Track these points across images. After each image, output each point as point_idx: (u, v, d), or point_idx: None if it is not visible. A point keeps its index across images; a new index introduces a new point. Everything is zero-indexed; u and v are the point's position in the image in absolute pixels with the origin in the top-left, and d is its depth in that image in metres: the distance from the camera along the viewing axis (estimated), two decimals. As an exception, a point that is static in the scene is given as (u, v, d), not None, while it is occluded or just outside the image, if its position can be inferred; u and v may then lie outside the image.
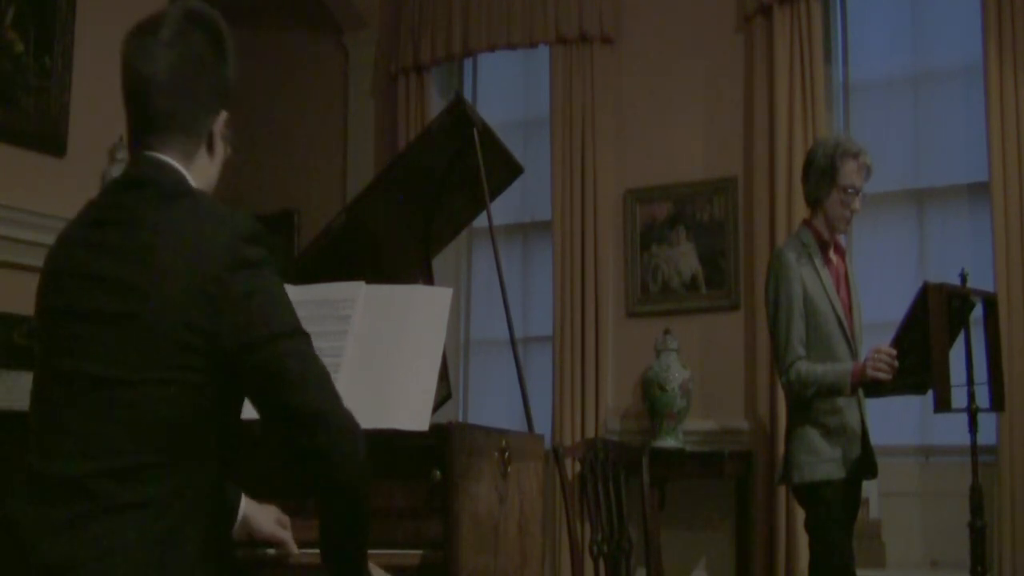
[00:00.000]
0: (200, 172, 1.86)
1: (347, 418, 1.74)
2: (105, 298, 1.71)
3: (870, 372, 3.33)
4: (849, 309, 3.57)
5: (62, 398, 1.71)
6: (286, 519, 2.13)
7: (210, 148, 1.88)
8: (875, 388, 3.42)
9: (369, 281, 2.40)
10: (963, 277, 3.52)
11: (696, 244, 5.25)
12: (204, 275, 1.69)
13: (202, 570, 1.70)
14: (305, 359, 1.73)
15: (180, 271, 1.69)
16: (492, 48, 5.69)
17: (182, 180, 1.81)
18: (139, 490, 1.66)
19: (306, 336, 1.76)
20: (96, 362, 1.69)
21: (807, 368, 3.41)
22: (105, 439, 1.67)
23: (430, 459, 2.15)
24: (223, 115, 1.89)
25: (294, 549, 2.12)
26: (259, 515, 2.07)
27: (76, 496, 1.66)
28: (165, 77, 1.79)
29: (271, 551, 2.12)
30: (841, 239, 3.69)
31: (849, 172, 3.51)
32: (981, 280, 3.95)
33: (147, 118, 1.81)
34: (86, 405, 1.69)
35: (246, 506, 2.06)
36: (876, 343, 3.41)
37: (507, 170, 3.13)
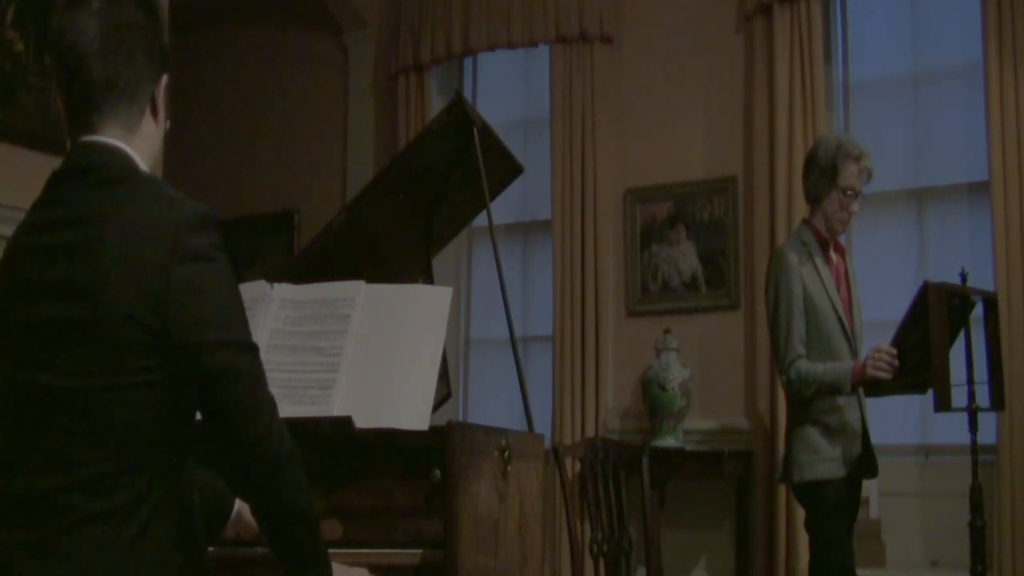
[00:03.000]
0: (145, 141, 1.75)
1: (280, 446, 1.67)
2: (55, 306, 1.63)
3: (870, 371, 3.33)
4: (849, 308, 3.57)
5: (21, 413, 1.65)
6: None
7: (154, 113, 1.76)
8: (875, 387, 3.42)
9: (369, 281, 2.40)
10: (963, 276, 3.52)
11: (696, 244, 5.26)
12: (147, 266, 1.60)
13: (174, 571, 1.66)
14: (242, 377, 1.65)
15: (124, 264, 1.60)
16: (492, 48, 5.69)
17: (126, 161, 1.70)
18: (106, 500, 1.60)
19: (250, 350, 1.68)
20: (51, 373, 1.62)
21: (807, 367, 3.41)
22: (67, 452, 1.61)
23: (430, 459, 2.15)
24: (164, 79, 1.76)
25: None
26: (248, 513, 2.06)
27: (43, 513, 1.60)
28: (98, 45, 1.67)
29: (262, 550, 2.12)
30: (841, 238, 3.69)
31: (850, 174, 3.51)
32: (981, 280, 3.95)
33: (85, 93, 1.68)
34: (45, 419, 1.63)
35: (239, 505, 2.05)
36: (876, 342, 3.42)
37: (507, 169, 3.13)
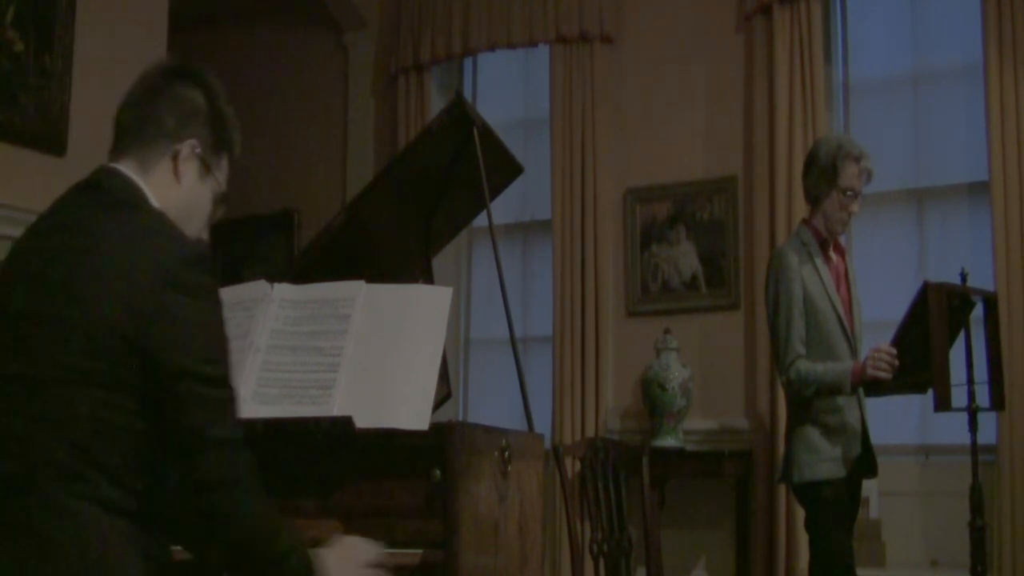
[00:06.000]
0: (161, 187, 1.87)
1: (234, 484, 1.71)
2: (46, 300, 1.72)
3: (870, 371, 3.33)
4: (849, 308, 3.57)
5: (6, 400, 1.72)
6: None
7: (175, 168, 1.88)
8: (875, 387, 3.42)
9: (369, 281, 2.40)
10: (963, 276, 3.52)
11: (696, 244, 5.25)
12: (139, 286, 1.69)
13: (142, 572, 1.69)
14: (209, 414, 1.70)
15: (114, 279, 1.69)
16: (492, 48, 5.69)
17: (136, 190, 1.83)
18: (83, 489, 1.65)
19: (220, 384, 1.73)
20: (28, 362, 1.70)
21: (807, 367, 3.41)
22: (40, 439, 1.67)
23: (430, 459, 2.15)
24: (191, 142, 1.89)
25: None
26: None
27: (15, 494, 1.66)
28: (134, 98, 1.90)
29: None
30: (841, 238, 3.69)
31: (850, 175, 3.51)
32: (981, 279, 3.95)
33: (116, 133, 1.90)
34: (28, 407, 1.69)
35: None
36: (876, 342, 3.42)
37: (507, 170, 3.13)
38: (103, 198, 1.81)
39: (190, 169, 1.90)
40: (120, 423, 1.68)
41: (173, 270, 1.71)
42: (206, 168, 1.92)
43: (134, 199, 1.82)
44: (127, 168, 1.85)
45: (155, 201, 1.85)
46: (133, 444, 1.70)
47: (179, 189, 1.89)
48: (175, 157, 1.88)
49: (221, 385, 1.74)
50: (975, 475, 3.51)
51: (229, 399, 1.75)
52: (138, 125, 1.87)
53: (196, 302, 1.72)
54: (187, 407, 1.69)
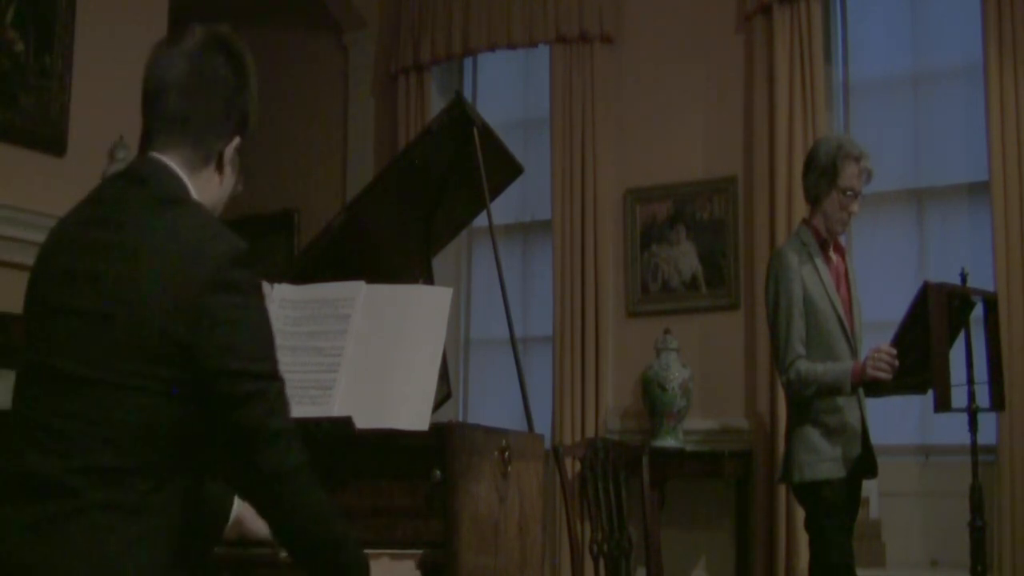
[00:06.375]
0: (204, 190, 1.84)
1: (295, 473, 1.73)
2: (87, 296, 1.69)
3: (870, 371, 3.33)
4: (849, 308, 3.57)
5: (40, 395, 1.70)
6: None
7: (219, 169, 1.86)
8: (875, 387, 3.42)
9: (369, 281, 2.40)
10: (963, 277, 3.52)
11: (696, 244, 5.25)
12: (187, 288, 1.67)
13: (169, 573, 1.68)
14: (267, 408, 1.71)
15: (163, 279, 1.67)
16: (492, 48, 5.69)
17: (182, 186, 1.79)
18: (113, 492, 1.64)
19: (274, 379, 1.75)
20: (74, 360, 1.67)
21: (807, 367, 3.41)
22: (80, 438, 1.65)
23: (430, 459, 2.15)
24: (236, 141, 1.87)
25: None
26: (252, 516, 2.07)
27: (48, 494, 1.64)
28: (182, 81, 1.80)
29: (262, 551, 2.12)
30: (841, 238, 3.69)
31: (849, 175, 3.51)
32: (981, 280, 3.95)
33: (159, 118, 1.80)
34: (62, 403, 1.67)
35: (239, 507, 2.06)
36: (876, 342, 3.42)
37: (507, 170, 3.13)
38: (149, 193, 1.76)
39: (229, 168, 1.89)
40: (165, 426, 1.67)
41: (223, 270, 1.69)
42: (240, 166, 1.91)
43: (180, 195, 1.78)
44: (172, 161, 1.80)
45: (195, 195, 1.81)
46: (176, 447, 1.69)
47: (219, 188, 1.88)
48: (219, 157, 1.85)
49: (274, 379, 1.75)
50: (975, 475, 3.51)
51: (281, 391, 1.76)
52: (184, 119, 1.80)
53: (246, 299, 1.72)
54: (245, 404, 1.69)
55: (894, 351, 3.34)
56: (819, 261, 3.53)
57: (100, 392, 1.66)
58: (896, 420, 4.58)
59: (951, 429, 4.01)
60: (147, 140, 1.82)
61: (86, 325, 1.68)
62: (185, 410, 1.68)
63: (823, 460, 3.41)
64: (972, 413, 3.49)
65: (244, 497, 1.83)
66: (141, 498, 1.65)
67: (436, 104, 5.72)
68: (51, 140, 4.18)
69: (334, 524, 1.78)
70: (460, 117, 2.82)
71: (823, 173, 3.53)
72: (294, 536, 1.77)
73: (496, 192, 3.10)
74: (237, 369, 1.69)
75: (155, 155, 1.80)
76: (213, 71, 1.83)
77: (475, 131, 2.81)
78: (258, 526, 2.08)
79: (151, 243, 1.70)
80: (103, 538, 1.62)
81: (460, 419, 5.59)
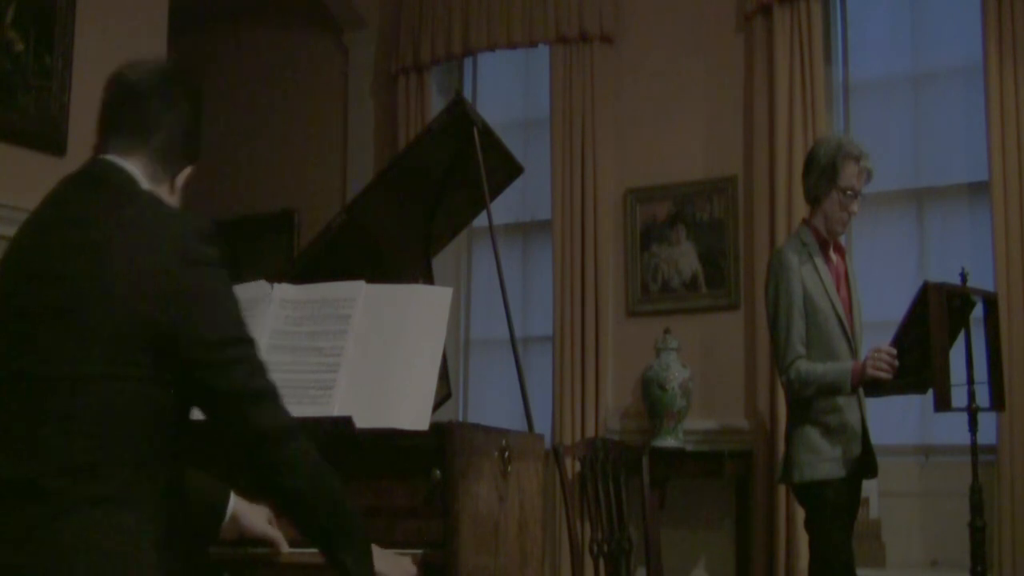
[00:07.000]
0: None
1: (288, 431, 1.77)
2: (53, 295, 1.71)
3: (870, 371, 3.33)
4: (849, 308, 3.58)
5: (10, 399, 1.70)
6: (274, 517, 2.13)
7: (171, 192, 1.92)
8: (875, 387, 3.42)
9: (369, 281, 2.40)
10: (963, 276, 3.52)
11: (696, 244, 5.26)
12: (154, 268, 1.70)
13: (164, 570, 1.68)
14: (249, 370, 1.76)
15: (129, 265, 1.70)
16: (492, 48, 5.69)
17: (136, 184, 1.83)
18: (93, 488, 1.64)
19: (252, 343, 1.79)
20: (42, 361, 1.68)
21: (807, 367, 3.41)
22: (50, 439, 1.65)
23: (430, 459, 2.15)
24: (188, 170, 1.94)
25: (285, 547, 2.12)
26: (250, 514, 2.08)
27: (29, 499, 1.64)
28: (147, 98, 1.86)
29: (262, 550, 2.12)
30: (841, 238, 3.69)
31: (849, 175, 3.52)
32: (981, 279, 3.95)
33: (121, 124, 1.85)
34: (33, 405, 1.67)
35: (237, 505, 2.06)
36: (876, 342, 3.42)
37: (507, 170, 3.13)
38: (109, 191, 1.80)
39: (179, 196, 1.94)
40: (141, 413, 1.69)
41: (188, 246, 1.74)
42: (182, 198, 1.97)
43: (134, 189, 1.82)
44: (129, 165, 1.84)
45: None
46: (155, 434, 1.70)
47: (172, 201, 1.93)
48: (173, 180, 1.91)
49: (251, 343, 1.79)
50: (975, 475, 3.51)
51: (257, 353, 1.80)
52: (144, 130, 1.85)
53: (215, 271, 1.76)
54: (229, 370, 1.73)
55: (894, 351, 3.34)
56: (819, 261, 3.53)
57: (72, 389, 1.66)
58: (896, 420, 4.59)
59: (951, 429, 4.01)
60: (103, 144, 1.86)
61: (54, 324, 1.69)
62: (162, 393, 1.70)
63: (823, 460, 3.41)
64: (972, 413, 3.49)
65: (244, 466, 1.83)
66: (125, 490, 1.66)
67: (436, 104, 5.72)
68: (51, 140, 4.18)
69: (332, 480, 1.81)
70: (460, 117, 2.82)
71: (823, 173, 3.53)
72: (293, 495, 1.78)
73: (496, 192, 3.10)
74: (218, 338, 1.73)
75: (111, 157, 1.84)
76: (175, 98, 1.89)
77: (475, 131, 2.81)
78: (256, 522, 2.08)
79: (116, 236, 1.72)
80: (94, 534, 1.63)
81: (460, 419, 5.59)
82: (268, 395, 1.77)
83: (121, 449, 1.67)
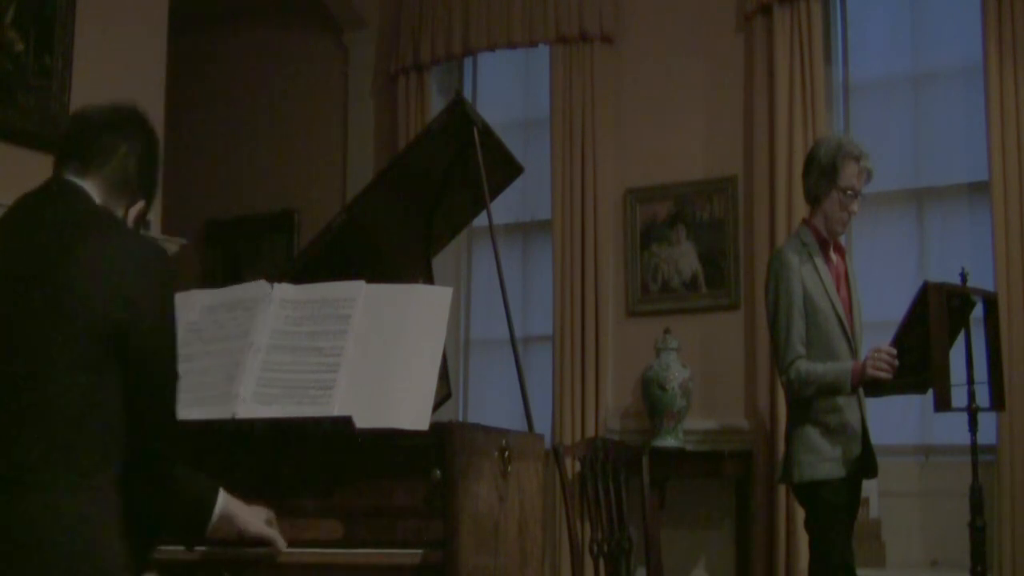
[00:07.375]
0: None
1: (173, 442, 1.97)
2: (22, 298, 1.83)
3: (870, 371, 3.33)
4: (849, 308, 3.57)
5: None
6: (274, 518, 2.14)
7: (126, 218, 2.07)
8: (875, 387, 3.42)
9: (369, 281, 2.40)
10: (963, 276, 3.52)
11: (696, 244, 5.26)
12: (123, 276, 1.87)
13: (124, 556, 1.81)
14: (173, 376, 1.96)
15: (99, 271, 1.85)
16: (492, 48, 5.69)
17: (92, 200, 1.98)
18: (60, 478, 1.76)
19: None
20: (11, 358, 1.81)
21: (807, 367, 3.41)
22: (30, 436, 1.77)
23: (430, 458, 2.15)
24: (140, 205, 2.08)
25: (282, 547, 2.13)
26: (247, 514, 2.08)
27: (8, 493, 1.75)
28: (104, 123, 2.03)
29: (261, 550, 2.12)
30: (841, 238, 3.69)
31: (849, 174, 3.51)
32: (981, 279, 3.94)
33: (77, 148, 2.00)
34: (4, 404, 1.79)
35: (231, 505, 2.07)
36: (876, 342, 3.42)
37: (507, 170, 3.13)
38: (68, 202, 1.95)
39: (132, 222, 2.09)
40: (110, 404, 1.82)
41: (154, 265, 1.94)
42: (145, 223, 2.17)
43: (96, 208, 1.98)
44: (88, 187, 1.99)
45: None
46: (117, 426, 1.84)
47: None
48: (126, 210, 2.07)
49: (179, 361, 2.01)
50: (975, 475, 3.51)
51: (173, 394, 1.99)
52: (104, 156, 2.00)
53: (170, 292, 1.96)
54: (166, 382, 1.94)
55: (894, 351, 3.34)
56: (819, 261, 3.53)
57: (40, 383, 1.78)
58: (896, 420, 4.59)
59: (951, 429, 4.01)
60: (65, 164, 2.01)
61: (23, 323, 1.82)
62: (115, 387, 1.84)
63: (823, 460, 3.41)
64: (972, 413, 3.49)
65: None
66: (88, 480, 1.78)
67: (436, 104, 5.72)
68: (51, 140, 4.18)
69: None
70: (460, 117, 2.82)
71: (823, 173, 3.53)
72: (164, 509, 2.00)
73: (496, 192, 3.10)
74: (169, 347, 1.94)
75: (69, 177, 1.99)
76: (129, 133, 2.05)
77: (475, 131, 2.81)
78: (254, 522, 2.08)
79: (84, 246, 1.86)
80: (60, 522, 1.73)
81: (460, 419, 5.59)
82: (177, 425, 1.97)
83: (85, 442, 1.78)
